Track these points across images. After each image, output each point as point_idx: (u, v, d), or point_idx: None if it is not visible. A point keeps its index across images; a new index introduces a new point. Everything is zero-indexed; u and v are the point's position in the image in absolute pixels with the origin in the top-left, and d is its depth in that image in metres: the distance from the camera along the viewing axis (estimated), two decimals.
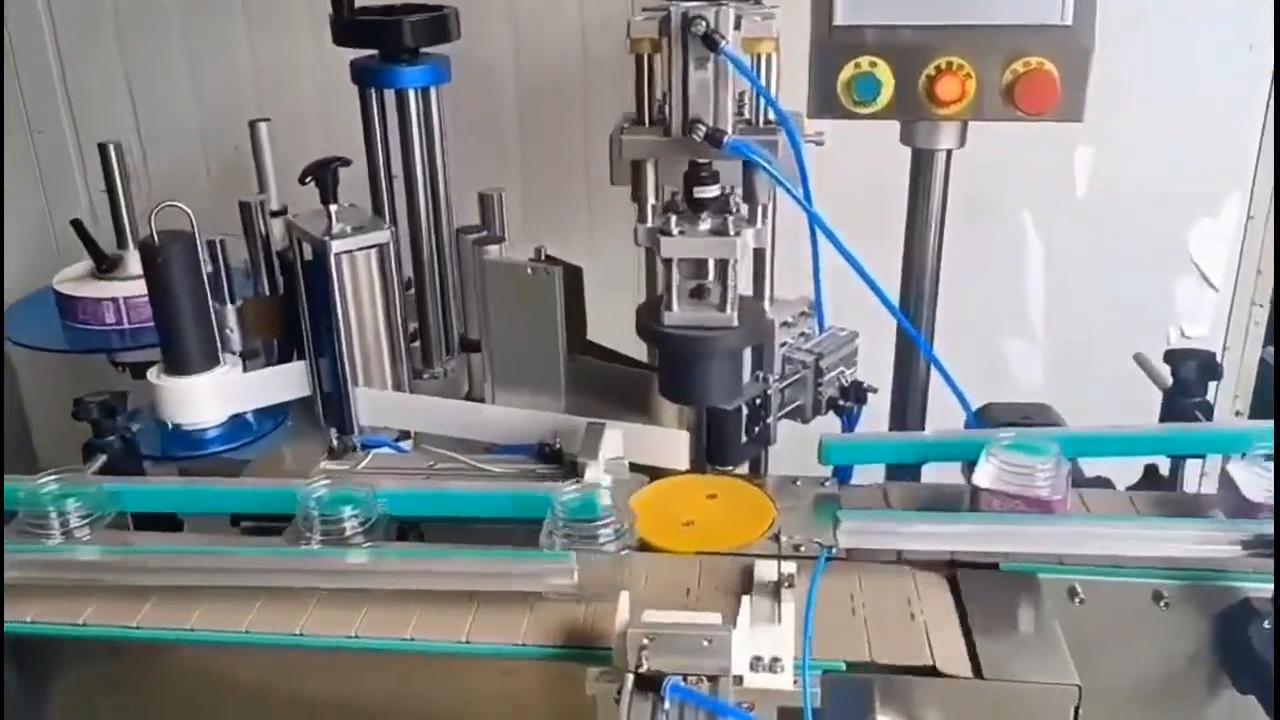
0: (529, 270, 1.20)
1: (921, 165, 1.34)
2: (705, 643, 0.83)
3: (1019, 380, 1.99)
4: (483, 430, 1.25)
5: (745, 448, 1.22)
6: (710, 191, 1.05)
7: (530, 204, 1.94)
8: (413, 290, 1.46)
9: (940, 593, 0.99)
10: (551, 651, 0.92)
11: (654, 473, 1.17)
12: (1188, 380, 1.25)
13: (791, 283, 1.34)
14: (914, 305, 1.41)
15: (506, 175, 1.96)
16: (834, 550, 1.01)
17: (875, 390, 1.33)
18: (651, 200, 1.12)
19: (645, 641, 0.82)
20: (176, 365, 1.34)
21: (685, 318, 1.06)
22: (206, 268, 1.62)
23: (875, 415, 1.42)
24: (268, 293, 1.39)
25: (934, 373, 1.48)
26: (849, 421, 1.34)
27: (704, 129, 1.08)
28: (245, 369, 1.39)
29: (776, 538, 1.02)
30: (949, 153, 1.32)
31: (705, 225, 1.06)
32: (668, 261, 1.05)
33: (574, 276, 1.22)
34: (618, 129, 1.15)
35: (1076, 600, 0.98)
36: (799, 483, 1.18)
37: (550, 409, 1.24)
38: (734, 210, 1.08)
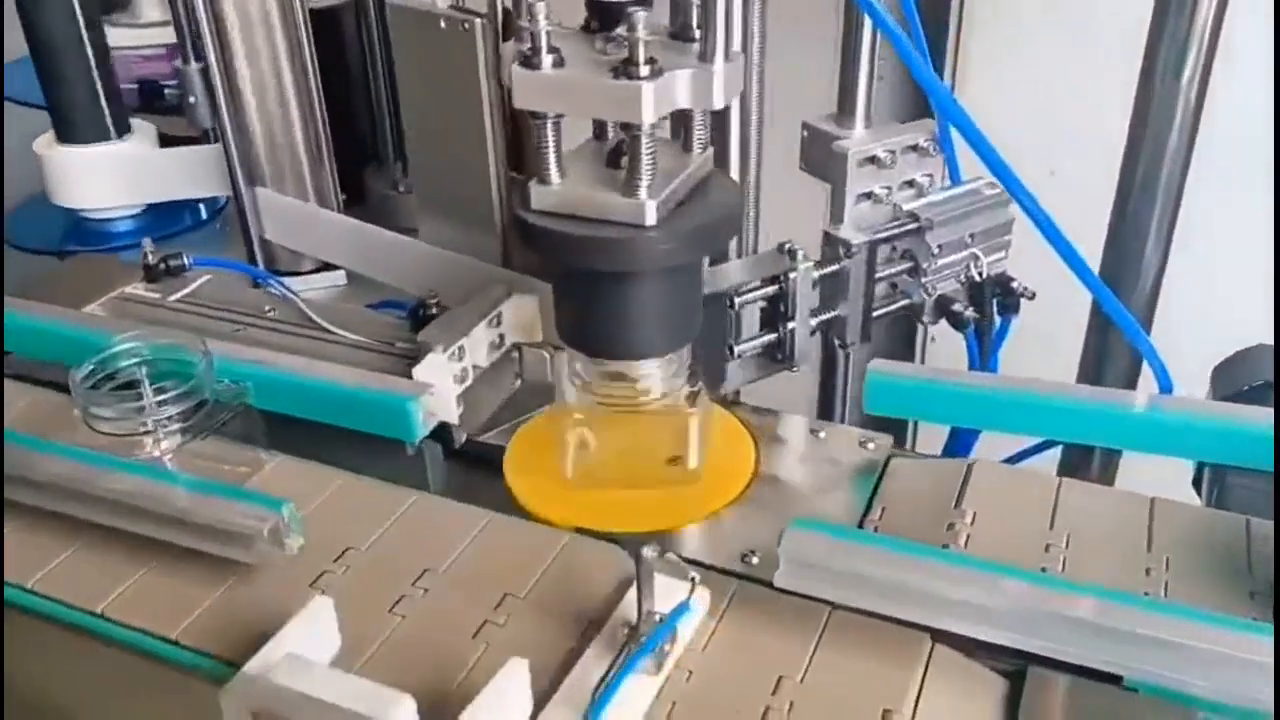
0: (441, 23, 0.74)
1: None
2: None
3: None
4: (374, 266, 0.83)
5: (746, 366, 0.73)
6: None
7: None
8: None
9: (981, 705, 0.49)
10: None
11: None
12: None
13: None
14: (1141, 186, 0.82)
15: None
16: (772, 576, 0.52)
17: (1031, 295, 0.78)
18: None
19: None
20: (62, 130, 1.02)
21: (567, 199, 0.55)
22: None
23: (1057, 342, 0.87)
24: None
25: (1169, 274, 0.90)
26: (977, 349, 0.79)
27: None
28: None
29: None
30: None
31: (607, 55, 0.52)
32: (532, 114, 0.54)
33: None
34: None
35: None
36: (823, 434, 0.69)
37: (480, 250, 0.79)
38: (692, 36, 0.54)
